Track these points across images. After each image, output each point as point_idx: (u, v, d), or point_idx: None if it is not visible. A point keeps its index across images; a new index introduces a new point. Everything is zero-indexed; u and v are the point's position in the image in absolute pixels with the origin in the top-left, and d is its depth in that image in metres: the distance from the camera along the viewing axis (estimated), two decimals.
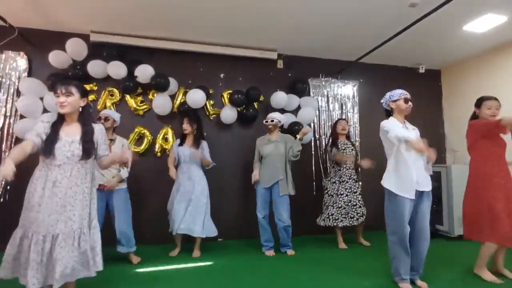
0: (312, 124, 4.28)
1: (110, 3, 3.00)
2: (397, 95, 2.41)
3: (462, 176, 2.72)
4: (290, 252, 3.32)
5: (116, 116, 3.01)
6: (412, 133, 2.39)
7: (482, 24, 3.39)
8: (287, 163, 3.36)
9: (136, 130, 3.69)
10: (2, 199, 3.30)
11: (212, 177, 3.86)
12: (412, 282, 2.37)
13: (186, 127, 3.25)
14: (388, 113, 2.50)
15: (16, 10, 3.07)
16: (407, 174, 2.28)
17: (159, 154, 3.71)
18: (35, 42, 3.45)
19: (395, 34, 3.31)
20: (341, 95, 4.50)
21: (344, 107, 4.49)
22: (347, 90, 4.53)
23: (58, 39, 3.44)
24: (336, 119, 4.00)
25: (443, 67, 4.90)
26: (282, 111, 4.03)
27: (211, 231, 3.21)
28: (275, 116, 3.44)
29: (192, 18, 3.28)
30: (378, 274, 2.64)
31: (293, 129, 3.83)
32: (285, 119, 3.72)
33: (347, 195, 3.46)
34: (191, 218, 3.10)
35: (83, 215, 1.88)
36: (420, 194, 2.33)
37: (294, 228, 3.35)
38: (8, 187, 3.32)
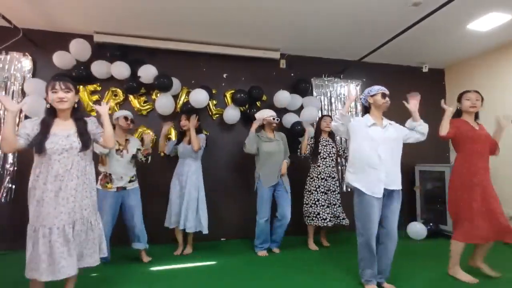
0: (314, 124, 4.27)
1: (114, 4, 3.01)
2: (375, 90, 2.41)
3: None
4: (276, 250, 3.35)
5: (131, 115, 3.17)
6: (387, 129, 2.37)
7: (486, 23, 3.36)
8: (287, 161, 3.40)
9: (139, 130, 3.71)
10: (7, 199, 3.34)
11: (215, 177, 3.88)
12: (379, 285, 2.34)
13: (185, 123, 3.27)
14: (366, 110, 2.50)
15: (21, 11, 3.10)
16: (373, 172, 2.25)
17: (162, 154, 3.73)
18: (40, 43, 3.48)
19: (398, 33, 3.30)
20: (344, 94, 4.49)
21: None
22: (350, 89, 4.51)
23: (62, 40, 3.47)
24: (320, 115, 3.94)
25: (446, 66, 4.87)
26: (285, 110, 4.03)
27: (204, 227, 3.20)
28: (275, 114, 3.44)
29: (195, 18, 3.29)
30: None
31: (295, 128, 3.83)
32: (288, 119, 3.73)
33: (325, 193, 3.40)
34: (186, 213, 3.13)
35: (85, 206, 1.93)
36: (389, 193, 2.29)
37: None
38: (13, 187, 3.36)
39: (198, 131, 3.32)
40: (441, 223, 3.96)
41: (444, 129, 2.52)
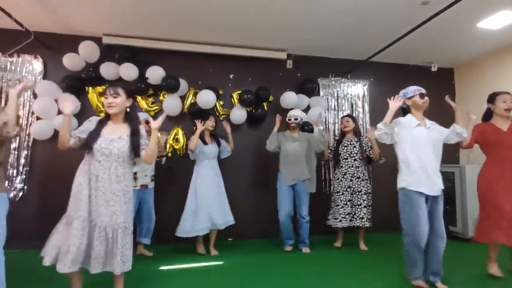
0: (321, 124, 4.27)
1: (122, 7, 3.05)
2: (411, 92, 2.38)
3: (476, 177, 2.69)
4: (306, 250, 3.35)
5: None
6: (431, 129, 2.36)
7: (497, 21, 3.31)
8: (312, 161, 3.40)
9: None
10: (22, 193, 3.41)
11: (222, 177, 3.88)
12: (433, 285, 2.33)
13: (213, 124, 3.34)
14: (405, 112, 2.47)
15: (32, 15, 3.16)
16: (422, 172, 2.26)
17: (170, 154, 3.75)
18: (50, 45, 3.55)
19: (407, 33, 3.27)
20: (351, 94, 4.46)
21: (354, 106, 4.45)
22: (357, 89, 4.49)
23: (71, 42, 3.53)
24: (341, 116, 3.88)
25: (456, 66, 4.80)
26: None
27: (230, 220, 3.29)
28: (297, 114, 3.45)
29: (201, 19, 3.31)
30: (392, 275, 2.61)
31: (304, 129, 3.82)
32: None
33: (352, 194, 3.38)
34: (218, 211, 3.19)
35: (124, 211, 1.98)
36: (434, 195, 2.30)
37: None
38: (25, 186, 3.43)
39: (212, 133, 3.39)
40: (451, 224, 3.89)
41: (467, 138, 2.50)
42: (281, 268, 2.86)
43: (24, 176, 3.44)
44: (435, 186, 2.29)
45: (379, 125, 2.32)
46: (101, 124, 2.02)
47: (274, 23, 3.39)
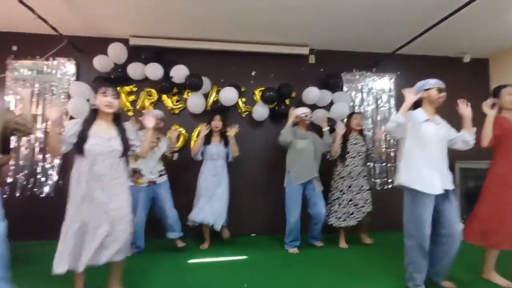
0: (345, 120, 4.18)
1: (147, 7, 3.15)
2: (430, 84, 2.27)
3: None
4: (320, 244, 3.37)
5: (162, 115, 3.33)
6: (442, 127, 2.25)
7: None
8: (319, 160, 3.36)
9: (172, 128, 3.86)
10: (53, 194, 3.64)
11: (245, 173, 3.93)
12: (437, 284, 2.26)
13: (218, 124, 3.33)
14: (416, 104, 2.35)
15: (65, 20, 3.35)
16: (429, 170, 2.14)
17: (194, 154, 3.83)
18: (82, 48, 3.74)
19: (437, 22, 3.10)
20: (376, 89, 4.33)
21: (379, 101, 4.32)
22: (383, 83, 4.35)
23: (101, 44, 3.70)
24: (350, 112, 3.75)
25: (491, 56, 4.51)
26: (315, 106, 3.98)
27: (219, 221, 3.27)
28: (308, 110, 3.41)
29: (223, 17, 3.34)
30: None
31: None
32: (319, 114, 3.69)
33: (358, 193, 3.30)
34: (216, 211, 3.20)
35: (127, 203, 2.07)
36: (443, 193, 2.16)
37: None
38: (60, 182, 3.65)
39: (223, 133, 3.40)
40: None
41: (487, 137, 2.36)
42: (310, 262, 2.87)
43: (58, 174, 3.68)
44: (440, 184, 2.13)
45: (394, 117, 2.19)
46: (89, 122, 2.03)
47: (296, 18, 3.35)
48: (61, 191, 3.60)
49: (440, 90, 2.24)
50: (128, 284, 2.27)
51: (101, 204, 1.97)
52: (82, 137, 1.97)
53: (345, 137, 3.43)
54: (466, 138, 2.28)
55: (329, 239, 3.50)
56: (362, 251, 3.25)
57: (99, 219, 1.95)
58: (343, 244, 3.42)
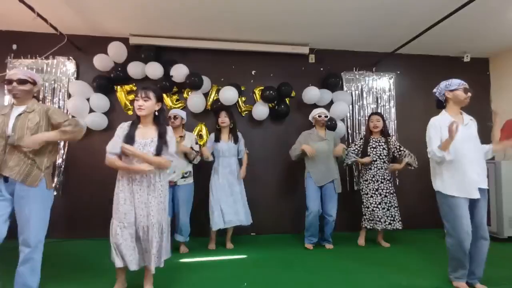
0: (345, 119, 4.19)
1: (148, 8, 3.15)
2: (456, 85, 2.26)
3: None
4: (329, 246, 3.34)
5: (183, 114, 3.27)
6: (470, 126, 2.24)
7: None
8: (337, 161, 3.37)
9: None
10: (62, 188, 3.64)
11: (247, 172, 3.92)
12: (471, 286, 2.25)
13: (225, 120, 3.30)
14: (440, 104, 2.35)
15: (65, 19, 3.34)
16: (463, 173, 2.15)
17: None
18: (82, 47, 3.73)
19: (437, 22, 3.10)
20: (376, 88, 4.33)
21: (379, 100, 4.32)
22: (383, 83, 4.35)
23: (101, 43, 3.70)
24: (370, 113, 3.67)
25: (491, 55, 4.50)
26: (315, 106, 3.97)
27: (249, 219, 3.31)
28: (325, 111, 3.40)
29: (224, 16, 3.34)
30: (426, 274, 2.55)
31: (327, 124, 3.76)
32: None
33: (385, 196, 3.28)
34: (237, 209, 3.22)
35: (160, 210, 2.09)
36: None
37: None
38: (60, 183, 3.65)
39: (233, 129, 3.36)
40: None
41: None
42: (305, 263, 2.87)
43: (62, 173, 3.68)
44: (474, 187, 2.14)
45: (441, 154, 2.15)
46: (133, 126, 2.10)
47: (296, 17, 3.35)
48: (64, 188, 3.60)
49: (466, 90, 2.24)
50: (128, 280, 2.26)
51: (138, 208, 2.04)
52: (127, 142, 2.03)
53: (366, 140, 3.40)
54: (488, 150, 2.30)
55: (350, 237, 3.53)
56: (380, 251, 3.25)
57: (138, 222, 2.03)
58: (361, 241, 3.42)
